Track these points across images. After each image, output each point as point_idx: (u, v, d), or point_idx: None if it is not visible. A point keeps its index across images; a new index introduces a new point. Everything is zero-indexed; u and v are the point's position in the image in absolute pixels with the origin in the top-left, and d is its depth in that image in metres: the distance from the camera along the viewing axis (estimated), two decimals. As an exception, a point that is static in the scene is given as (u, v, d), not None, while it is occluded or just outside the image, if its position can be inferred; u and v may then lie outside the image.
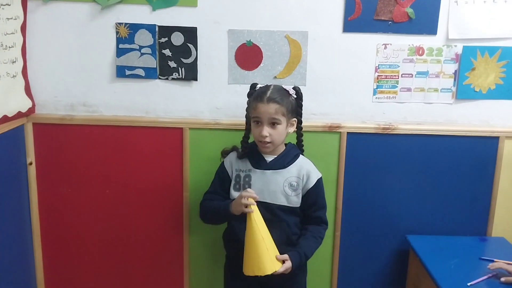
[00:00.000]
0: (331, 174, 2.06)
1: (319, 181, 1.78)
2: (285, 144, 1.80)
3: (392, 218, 2.12)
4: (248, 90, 1.78)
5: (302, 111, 1.78)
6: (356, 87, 2.03)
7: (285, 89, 1.72)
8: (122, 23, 1.95)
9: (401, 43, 1.99)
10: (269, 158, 1.76)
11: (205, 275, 2.17)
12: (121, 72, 1.99)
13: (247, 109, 1.77)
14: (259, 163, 1.75)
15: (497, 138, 2.05)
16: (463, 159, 2.07)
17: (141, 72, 1.99)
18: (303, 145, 1.85)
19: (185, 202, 2.08)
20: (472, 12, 1.96)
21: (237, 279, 1.77)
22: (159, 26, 1.95)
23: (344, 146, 2.04)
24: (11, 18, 1.81)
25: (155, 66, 1.99)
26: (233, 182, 1.76)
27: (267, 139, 1.67)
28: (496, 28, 1.97)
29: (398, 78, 2.02)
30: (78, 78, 2.00)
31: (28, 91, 1.96)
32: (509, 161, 2.07)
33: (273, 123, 1.67)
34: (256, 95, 1.70)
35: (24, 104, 1.94)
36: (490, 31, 1.98)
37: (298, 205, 1.75)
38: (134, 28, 1.95)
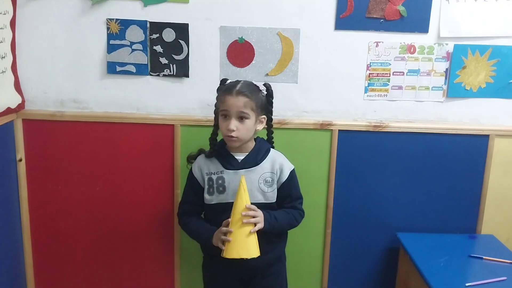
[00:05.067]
0: (322, 171, 2.06)
1: (292, 173, 1.77)
2: (255, 139, 1.76)
3: (382, 216, 2.13)
4: (218, 85, 1.76)
5: (273, 109, 1.76)
6: (347, 85, 2.03)
7: (255, 84, 1.71)
8: (113, 19, 1.93)
9: (393, 41, 1.99)
10: (240, 157, 1.72)
11: (196, 273, 2.13)
12: (112, 68, 1.98)
13: (216, 104, 1.74)
14: (231, 163, 1.71)
15: (487, 136, 2.06)
16: (453, 157, 2.08)
17: (132, 69, 1.98)
18: (273, 142, 1.82)
19: (176, 199, 2.07)
20: (464, 10, 1.96)
21: (217, 277, 1.77)
22: (151, 22, 1.94)
23: (335, 143, 2.04)
24: (0, 13, 1.79)
25: (146, 63, 1.98)
26: (206, 187, 1.71)
27: (234, 134, 1.63)
28: (487, 27, 1.98)
29: (389, 76, 2.03)
30: (68, 74, 1.99)
31: (17, 87, 1.94)
32: (499, 159, 2.08)
33: (241, 117, 1.64)
34: (225, 88, 1.69)
35: (13, 100, 1.92)
36: (481, 30, 1.98)
37: (274, 200, 1.73)
38: (125, 24, 1.94)
